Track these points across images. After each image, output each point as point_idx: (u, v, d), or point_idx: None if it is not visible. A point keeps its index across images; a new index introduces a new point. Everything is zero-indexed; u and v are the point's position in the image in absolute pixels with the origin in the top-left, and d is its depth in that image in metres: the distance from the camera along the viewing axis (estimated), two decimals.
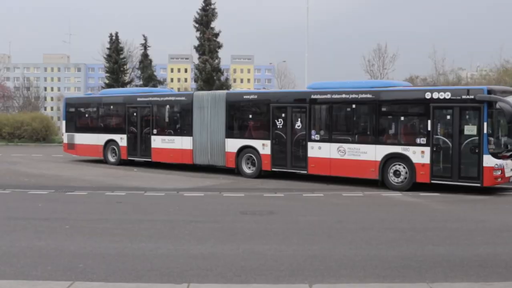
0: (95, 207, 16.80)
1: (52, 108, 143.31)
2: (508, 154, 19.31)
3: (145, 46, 67.08)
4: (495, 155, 18.51)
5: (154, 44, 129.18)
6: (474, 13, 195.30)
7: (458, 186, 19.13)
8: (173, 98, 27.26)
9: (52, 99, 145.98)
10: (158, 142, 26.99)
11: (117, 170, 26.62)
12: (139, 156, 28.01)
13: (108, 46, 65.68)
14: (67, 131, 31.37)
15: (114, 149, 28.96)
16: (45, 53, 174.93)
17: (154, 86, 62.72)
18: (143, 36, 67.08)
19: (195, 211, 16.12)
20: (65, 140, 31.59)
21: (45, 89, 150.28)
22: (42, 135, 47.80)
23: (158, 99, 27.48)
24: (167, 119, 27.35)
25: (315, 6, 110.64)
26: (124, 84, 63.47)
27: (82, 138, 30.46)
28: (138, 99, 28.20)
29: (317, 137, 21.96)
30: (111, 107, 29.80)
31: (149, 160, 27.53)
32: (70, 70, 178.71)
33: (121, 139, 28.52)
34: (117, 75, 64.44)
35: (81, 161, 30.77)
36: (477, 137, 18.49)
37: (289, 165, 22.75)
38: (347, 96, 21.30)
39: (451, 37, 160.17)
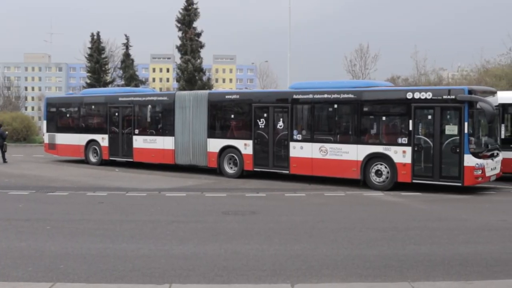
0: (76, 207, 16.69)
1: (33, 108, 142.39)
2: (489, 153, 19.47)
3: (127, 45, 66.88)
4: (476, 155, 18.63)
5: (136, 44, 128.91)
6: (455, 14, 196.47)
7: (439, 186, 19.25)
8: (155, 98, 27.16)
9: (33, 98, 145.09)
10: (140, 142, 26.89)
11: (98, 171, 26.49)
12: (120, 156, 27.90)
13: (89, 45, 65.46)
14: (48, 131, 31.17)
15: (95, 149, 28.82)
16: (26, 52, 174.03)
17: (136, 86, 62.57)
18: (125, 35, 66.92)
19: (177, 211, 16.08)
20: (46, 140, 31.39)
21: (26, 88, 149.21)
22: (22, 135, 47.41)
23: (140, 99, 27.38)
24: (149, 119, 27.27)
25: (298, 7, 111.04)
26: (105, 84, 63.28)
27: (63, 138, 30.29)
28: (120, 99, 28.09)
29: (299, 137, 21.99)
30: (93, 107, 29.63)
31: (131, 160, 27.44)
32: (51, 69, 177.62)
33: (103, 139, 28.39)
34: (99, 74, 64.21)
35: (62, 162, 30.60)
36: (458, 137, 18.60)
37: (271, 165, 22.75)
38: (329, 96, 21.35)
39: (432, 38, 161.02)
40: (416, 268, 9.67)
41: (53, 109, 31.17)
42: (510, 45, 48.33)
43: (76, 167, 28.07)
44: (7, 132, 33.17)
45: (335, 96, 21.19)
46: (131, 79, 65.13)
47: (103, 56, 65.83)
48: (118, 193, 19.39)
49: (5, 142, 30.79)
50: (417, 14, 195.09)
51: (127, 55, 66.68)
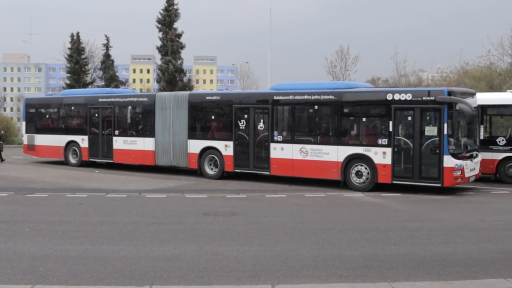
0: (55, 209, 16.58)
1: (12, 109, 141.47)
2: (468, 154, 19.60)
3: (107, 46, 66.63)
4: (455, 156, 18.76)
5: (116, 45, 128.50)
6: (435, 16, 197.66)
7: (419, 186, 19.35)
8: (135, 99, 27.06)
9: (12, 99, 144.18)
10: (120, 143, 26.78)
11: (78, 172, 26.34)
12: (100, 157, 27.76)
13: (69, 46, 65.09)
14: (27, 132, 30.96)
15: (75, 150, 28.66)
16: (5, 52, 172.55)
17: (116, 86, 62.38)
18: (105, 36, 66.69)
19: (157, 212, 16.02)
20: (25, 141, 31.20)
21: (5, 89, 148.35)
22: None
23: (120, 100, 27.27)
24: (129, 120, 27.18)
25: (278, 8, 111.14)
26: (85, 85, 62.95)
27: (42, 139, 30.10)
28: (100, 99, 27.96)
29: (279, 138, 22.00)
30: (72, 108, 29.45)
31: (111, 161, 27.32)
32: (30, 70, 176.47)
33: (83, 140, 28.24)
34: (79, 75, 63.86)
35: (41, 163, 30.40)
36: (437, 138, 18.72)
37: (251, 166, 22.75)
38: (310, 97, 21.39)
39: (412, 40, 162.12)
40: (396, 269, 9.72)
41: (32, 110, 30.96)
42: (489, 47, 48.65)
43: (56, 169, 27.90)
44: (2, 132, 33.15)
45: (316, 97, 21.24)
46: (111, 80, 64.88)
47: (83, 56, 65.49)
48: (98, 194, 19.28)
49: (1, 142, 30.76)
50: (397, 16, 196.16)
51: (107, 56, 66.42)
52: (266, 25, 48.42)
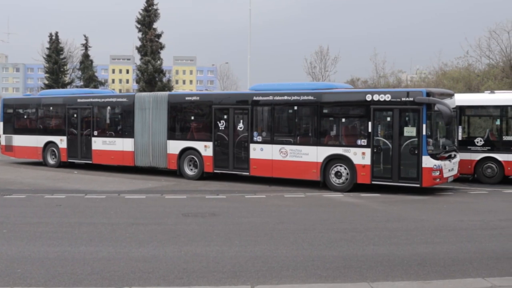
0: (34, 210, 16.45)
1: None
2: (447, 155, 19.74)
3: (86, 46, 66.40)
4: (434, 156, 18.87)
5: (95, 45, 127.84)
6: (414, 18, 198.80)
7: (398, 187, 19.44)
8: (114, 99, 26.94)
9: None
10: (99, 144, 26.64)
11: (56, 173, 26.16)
12: (79, 158, 27.58)
13: (48, 46, 64.80)
14: (4, 132, 30.70)
15: (53, 151, 28.46)
16: None
17: (95, 87, 62.22)
18: (84, 36, 66.51)
19: (137, 213, 15.97)
20: (3, 142, 30.92)
21: None
22: None
23: (99, 100, 27.12)
24: (108, 121, 27.06)
25: (258, 8, 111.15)
26: (64, 85, 62.69)
27: (20, 140, 29.86)
28: (79, 100, 27.78)
29: (259, 138, 22.00)
30: (51, 108, 29.24)
31: (90, 162, 27.15)
32: (8, 70, 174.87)
33: (61, 141, 28.06)
34: (57, 75, 63.60)
35: (19, 164, 30.15)
36: (416, 139, 18.82)
37: (231, 167, 22.73)
38: (289, 98, 21.42)
39: (392, 41, 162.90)
40: (376, 269, 9.76)
41: (10, 110, 30.69)
42: (467, 48, 49.03)
43: (34, 169, 27.67)
44: None
45: (295, 98, 21.27)
46: (90, 80, 64.66)
47: (61, 56, 65.24)
48: (76, 195, 19.16)
49: None
50: (376, 18, 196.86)
51: (86, 56, 66.18)
52: (245, 25, 48.51)
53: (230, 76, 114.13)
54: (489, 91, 24.26)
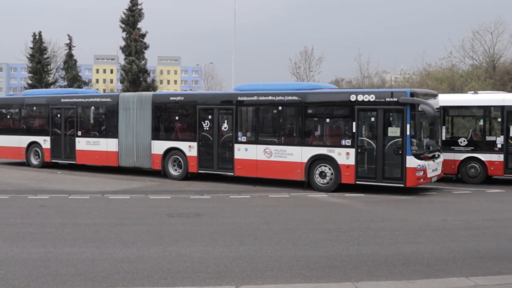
0: (17, 211, 16.35)
1: None
2: (430, 155, 19.83)
3: (69, 46, 66.20)
4: (418, 156, 18.95)
5: (79, 44, 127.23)
6: (398, 19, 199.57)
7: (382, 187, 19.50)
8: (98, 99, 26.84)
9: None
10: (82, 144, 26.52)
11: (40, 173, 26.01)
12: (63, 158, 27.44)
13: (31, 45, 64.46)
14: None
15: (37, 151, 28.30)
16: None
17: (79, 87, 62.04)
18: (68, 36, 66.36)
19: (121, 214, 15.93)
20: None
21: None
22: None
23: (83, 100, 27.00)
24: (92, 121, 26.95)
25: (243, 8, 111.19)
26: (47, 85, 62.43)
27: (3, 140, 29.64)
28: (62, 100, 27.64)
29: (243, 139, 21.99)
30: (34, 108, 29.07)
31: (74, 162, 27.03)
32: None
33: (45, 141, 27.90)
34: (41, 75, 63.30)
35: (2, 164, 29.93)
36: (400, 139, 18.89)
37: (215, 167, 22.70)
38: (274, 98, 21.42)
39: (376, 41, 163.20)
40: (360, 268, 9.79)
41: None
42: (450, 49, 49.36)
43: (17, 170, 27.51)
44: None
45: (280, 98, 21.27)
46: (74, 80, 64.45)
47: (45, 56, 64.95)
48: (60, 196, 19.06)
49: None
50: (361, 19, 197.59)
51: (70, 56, 65.96)
52: (230, 25, 48.37)
53: (214, 76, 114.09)
54: (472, 92, 24.40)
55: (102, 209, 16.56)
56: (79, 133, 26.71)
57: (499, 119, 22.44)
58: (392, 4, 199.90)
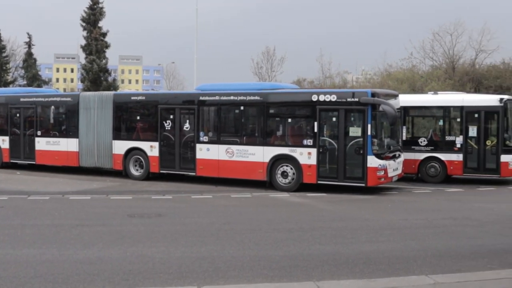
0: None
1: None
2: (391, 155, 20.01)
3: (29, 44, 65.42)
4: (379, 156, 19.11)
5: (39, 43, 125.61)
6: (360, 21, 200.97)
7: (343, 186, 19.61)
8: (58, 99, 26.53)
9: None
10: (42, 144, 26.19)
11: None
12: (22, 158, 27.06)
13: None
14: None
15: None
16: None
17: (39, 86, 61.29)
18: (28, 34, 65.51)
19: (81, 214, 15.75)
20: None
21: None
22: None
23: (43, 99, 26.68)
24: (52, 120, 26.63)
25: (205, 8, 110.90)
26: (6, 84, 61.53)
27: None
28: (22, 99, 27.26)
29: (205, 138, 21.94)
30: None
31: (33, 162, 26.67)
32: None
33: (3, 141, 27.48)
34: None
35: None
36: (361, 139, 19.02)
37: (177, 167, 22.60)
38: (236, 98, 21.41)
39: (338, 42, 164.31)
40: (322, 268, 9.84)
41: None
42: (411, 50, 49.93)
43: None
44: None
45: (242, 98, 21.27)
46: (34, 79, 63.71)
47: (3, 54, 64.00)
48: (19, 197, 18.78)
49: None
50: (323, 21, 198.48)
51: (29, 54, 65.18)
52: (192, 24, 48.05)
53: (176, 76, 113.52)
54: (432, 92, 24.74)
55: (63, 210, 16.37)
56: (39, 133, 26.37)
57: (459, 119, 22.76)
58: (353, 6, 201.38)
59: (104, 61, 52.44)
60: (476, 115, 22.31)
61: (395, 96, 21.10)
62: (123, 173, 23.81)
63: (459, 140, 22.40)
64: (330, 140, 19.68)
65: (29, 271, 9.52)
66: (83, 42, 53.20)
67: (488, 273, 9.63)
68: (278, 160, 20.48)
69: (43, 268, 9.75)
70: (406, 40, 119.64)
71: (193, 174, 22.28)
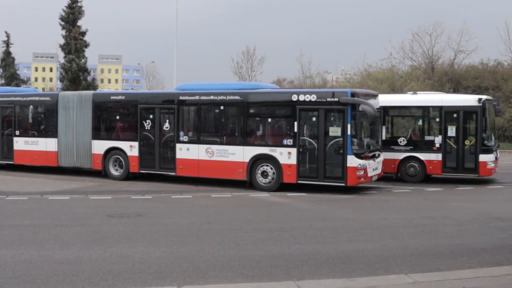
0: None
1: None
2: (371, 154, 20.09)
3: (7, 43, 64.94)
4: (359, 156, 19.17)
5: (17, 42, 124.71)
6: (339, 20, 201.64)
7: (323, 186, 19.65)
8: (37, 98, 26.33)
9: None
10: (21, 144, 25.99)
11: None
12: (0, 158, 26.84)
13: None
14: None
15: None
16: None
17: (17, 85, 60.86)
18: (6, 32, 65.03)
19: (60, 215, 15.67)
20: None
21: None
22: None
23: (21, 99, 26.48)
24: (30, 120, 26.41)
25: (185, 7, 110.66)
26: None
27: None
28: (0, 98, 27.06)
29: (185, 138, 21.89)
30: None
31: (12, 162, 26.45)
32: None
33: None
34: None
35: None
36: (341, 139, 19.07)
37: (157, 167, 22.53)
38: (215, 97, 21.38)
39: (318, 42, 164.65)
40: (302, 267, 9.85)
41: None
42: (390, 50, 50.22)
43: None
44: None
45: (221, 97, 21.25)
46: (12, 78, 63.25)
47: None
48: None
49: None
50: (303, 21, 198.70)
51: (7, 53, 64.69)
52: (172, 24, 48.05)
53: (156, 76, 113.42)
54: (411, 92, 24.85)
55: (41, 210, 16.26)
56: (17, 132, 26.18)
57: (438, 119, 22.89)
58: (334, 7, 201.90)
59: (83, 60, 52.22)
60: (455, 115, 22.45)
61: (374, 96, 21.18)
62: (103, 173, 23.69)
63: (438, 140, 22.53)
64: (310, 140, 19.72)
65: (7, 272, 9.44)
66: (62, 41, 52.96)
67: (467, 272, 9.71)
68: (258, 160, 20.48)
69: (21, 268, 9.68)
70: (386, 40, 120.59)
71: (173, 174, 22.23)
